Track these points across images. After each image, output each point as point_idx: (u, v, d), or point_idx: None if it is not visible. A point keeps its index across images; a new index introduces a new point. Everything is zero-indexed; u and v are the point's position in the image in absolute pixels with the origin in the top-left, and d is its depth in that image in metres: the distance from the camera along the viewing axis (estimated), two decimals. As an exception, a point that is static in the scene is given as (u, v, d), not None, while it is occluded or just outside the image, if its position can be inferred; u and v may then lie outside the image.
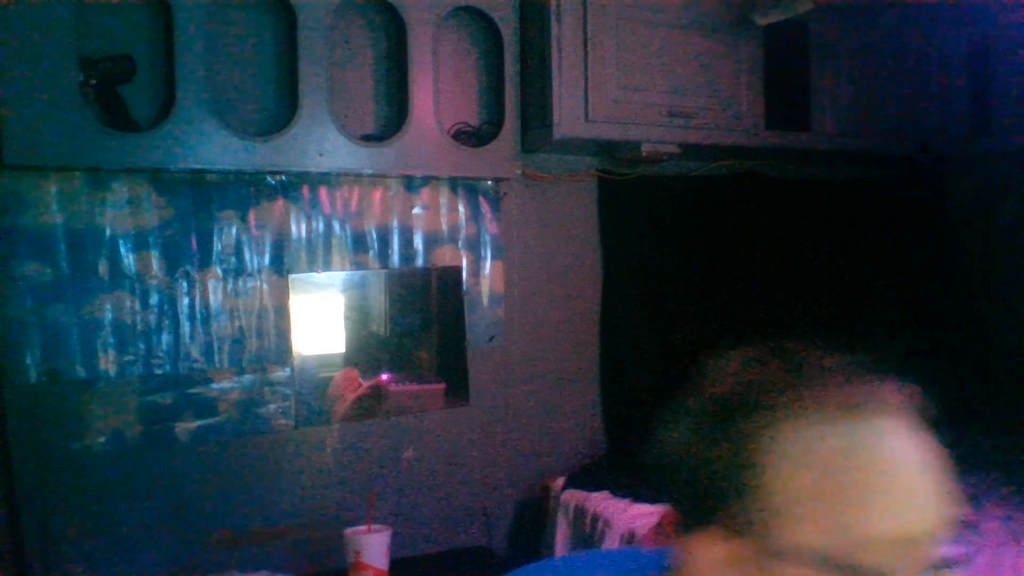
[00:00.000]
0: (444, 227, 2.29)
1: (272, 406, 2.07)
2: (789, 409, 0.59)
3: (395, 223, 2.22)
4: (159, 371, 1.95)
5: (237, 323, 2.03)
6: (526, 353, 2.43)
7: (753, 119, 2.43)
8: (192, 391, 1.99)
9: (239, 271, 2.04)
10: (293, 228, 2.09)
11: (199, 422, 1.99)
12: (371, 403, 2.21)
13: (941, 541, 0.59)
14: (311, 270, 2.12)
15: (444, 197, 2.29)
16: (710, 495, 0.61)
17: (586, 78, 2.20)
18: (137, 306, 1.93)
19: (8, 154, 1.72)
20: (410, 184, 2.24)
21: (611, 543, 2.03)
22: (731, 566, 0.60)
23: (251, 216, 2.04)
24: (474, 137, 2.30)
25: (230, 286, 2.03)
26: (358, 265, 2.19)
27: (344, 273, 2.18)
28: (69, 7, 1.77)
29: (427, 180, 2.25)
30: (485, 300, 2.36)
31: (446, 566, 2.13)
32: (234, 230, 2.03)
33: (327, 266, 2.14)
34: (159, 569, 1.93)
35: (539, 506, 2.40)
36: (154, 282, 1.94)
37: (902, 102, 2.66)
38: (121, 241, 1.91)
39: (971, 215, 2.78)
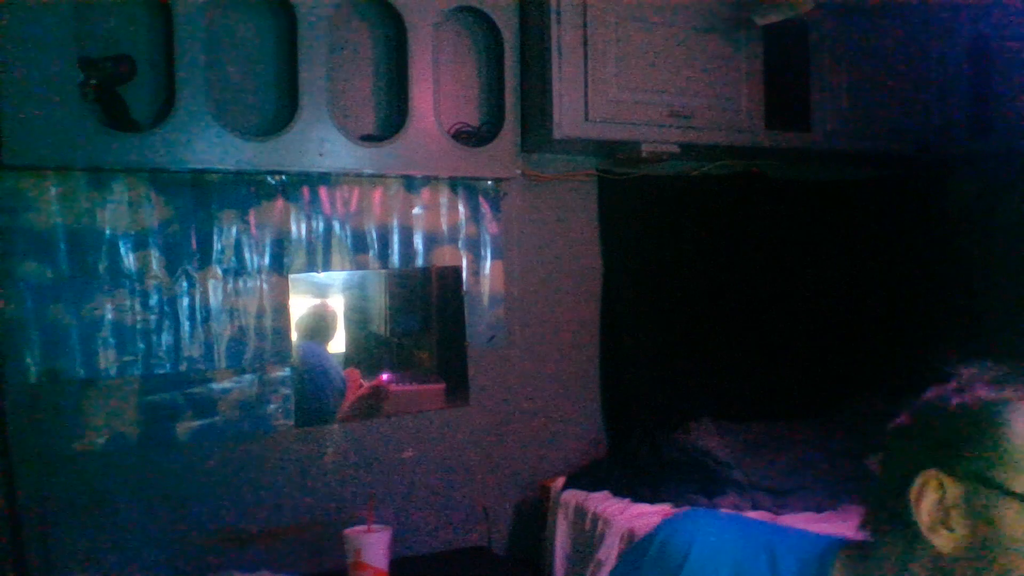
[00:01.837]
0: (444, 227, 2.29)
1: (272, 406, 2.07)
2: (1021, 394, 0.72)
3: (395, 223, 2.22)
4: (159, 371, 1.95)
5: (237, 323, 2.03)
6: (526, 353, 2.43)
7: (753, 119, 2.43)
8: (192, 391, 1.99)
9: (239, 271, 2.04)
10: (293, 228, 2.09)
11: (199, 422, 1.99)
12: (371, 403, 2.22)
13: None
14: (311, 270, 2.12)
15: (444, 197, 2.29)
16: (952, 444, 0.72)
17: (586, 78, 2.20)
18: (137, 306, 1.93)
19: (8, 154, 1.72)
20: (410, 184, 2.24)
21: (611, 543, 2.03)
22: (958, 508, 0.70)
23: (251, 216, 2.04)
24: (474, 137, 2.30)
25: (230, 286, 2.03)
26: (358, 265, 2.19)
27: (344, 273, 2.18)
28: (69, 7, 1.77)
29: (427, 180, 2.25)
30: (485, 300, 2.36)
31: (446, 566, 2.13)
32: (234, 230, 2.03)
33: (327, 266, 2.14)
34: (159, 569, 1.93)
35: (539, 506, 2.40)
36: (154, 282, 1.94)
37: (902, 102, 2.65)
38: (121, 241, 1.91)
39: (971, 215, 2.78)
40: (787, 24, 2.34)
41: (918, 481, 0.72)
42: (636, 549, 0.91)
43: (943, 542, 0.71)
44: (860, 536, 0.80)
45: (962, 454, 0.71)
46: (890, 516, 0.75)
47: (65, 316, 1.86)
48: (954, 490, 0.71)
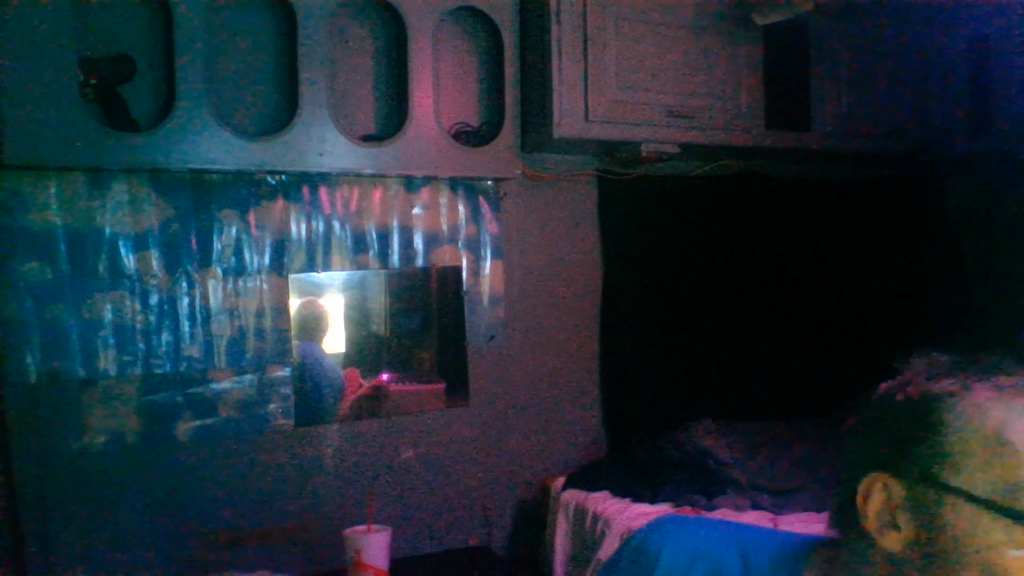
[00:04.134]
0: (444, 227, 2.29)
1: (272, 406, 2.07)
2: (966, 386, 0.70)
3: (395, 223, 2.22)
4: (159, 371, 1.95)
5: (237, 323, 2.03)
6: (526, 353, 2.43)
7: (753, 119, 2.43)
8: (192, 391, 1.99)
9: (239, 271, 2.04)
10: (293, 228, 2.09)
11: (199, 422, 1.99)
12: (371, 403, 2.22)
13: None
14: (311, 270, 2.12)
15: (444, 197, 2.29)
16: (895, 442, 0.71)
17: (586, 78, 2.20)
18: (137, 306, 1.93)
19: (8, 154, 1.72)
20: (410, 184, 2.24)
21: (611, 543, 2.03)
22: (904, 508, 0.70)
23: (251, 216, 2.04)
24: (474, 137, 2.30)
25: (230, 286, 2.03)
26: (358, 265, 2.19)
27: (344, 273, 2.18)
28: (69, 7, 1.77)
29: (427, 180, 2.25)
30: (485, 300, 2.36)
31: (446, 566, 2.13)
32: (234, 230, 2.03)
33: (327, 266, 2.14)
34: (159, 569, 1.93)
35: (539, 506, 2.40)
36: (154, 282, 1.94)
37: (902, 102, 2.65)
38: (121, 241, 1.91)
39: (971, 215, 2.78)
40: (787, 24, 2.34)
41: (864, 484, 0.72)
42: (614, 555, 0.91)
43: (891, 543, 0.70)
44: (831, 534, 0.80)
45: (906, 452, 0.70)
46: (848, 516, 0.75)
47: (65, 316, 1.86)
48: (899, 490, 0.70)
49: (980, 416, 0.68)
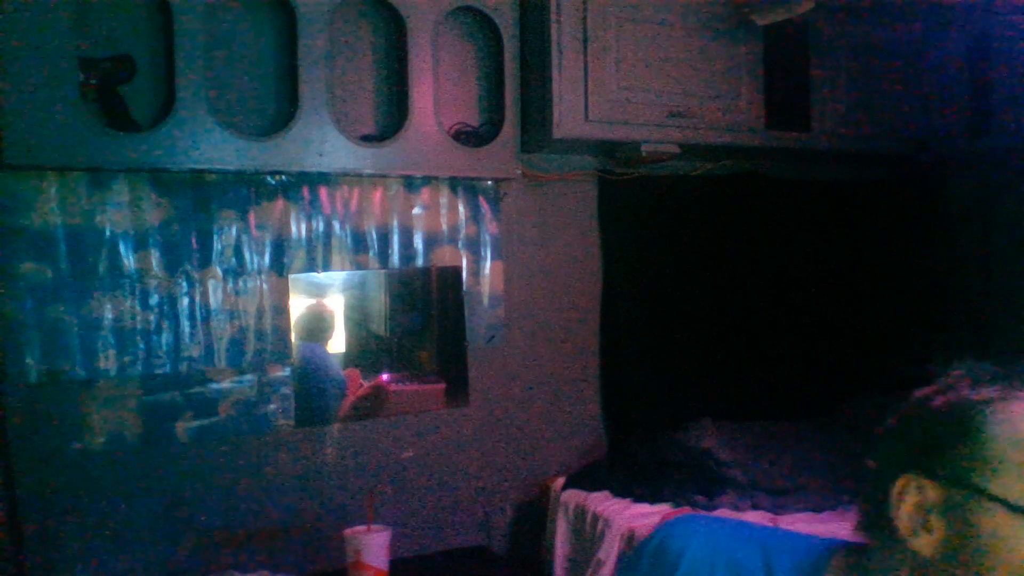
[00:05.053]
0: (444, 227, 2.29)
1: (272, 406, 2.07)
2: (1005, 394, 0.71)
3: (395, 223, 2.22)
4: (159, 371, 1.95)
5: (237, 323, 2.03)
6: (526, 353, 2.43)
7: (753, 119, 2.43)
8: (192, 391, 1.99)
9: (239, 271, 2.04)
10: (293, 228, 2.09)
11: (199, 422, 1.99)
12: (371, 403, 2.22)
13: None
14: (311, 270, 2.12)
15: (444, 197, 2.29)
16: (932, 445, 0.72)
17: (586, 78, 2.20)
18: (137, 306, 1.93)
19: (8, 154, 1.72)
20: (410, 184, 2.24)
21: (611, 543, 2.03)
22: (937, 511, 0.70)
23: (251, 216, 2.04)
24: (474, 137, 2.30)
25: (230, 286, 2.03)
26: (358, 265, 2.19)
27: (344, 273, 2.18)
28: (69, 7, 1.77)
29: (427, 180, 2.25)
30: (485, 300, 2.36)
31: (446, 566, 2.13)
32: (234, 230, 2.03)
33: (327, 266, 2.14)
34: (159, 568, 1.93)
35: (539, 506, 2.40)
36: (154, 282, 1.94)
37: (902, 102, 2.65)
38: (121, 241, 1.91)
39: (971, 215, 2.77)
40: (787, 24, 2.34)
41: (897, 485, 0.72)
42: (634, 553, 0.91)
43: (922, 545, 0.70)
44: (856, 538, 0.80)
45: (941, 456, 0.71)
46: (878, 518, 0.75)
47: (65, 316, 1.85)
48: (933, 493, 0.70)
49: (1018, 424, 0.69)
